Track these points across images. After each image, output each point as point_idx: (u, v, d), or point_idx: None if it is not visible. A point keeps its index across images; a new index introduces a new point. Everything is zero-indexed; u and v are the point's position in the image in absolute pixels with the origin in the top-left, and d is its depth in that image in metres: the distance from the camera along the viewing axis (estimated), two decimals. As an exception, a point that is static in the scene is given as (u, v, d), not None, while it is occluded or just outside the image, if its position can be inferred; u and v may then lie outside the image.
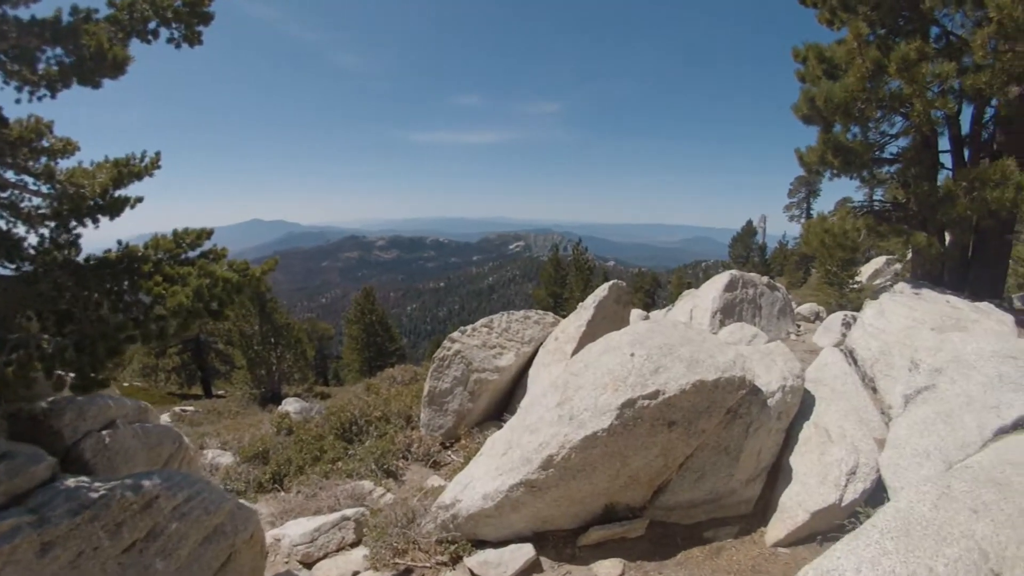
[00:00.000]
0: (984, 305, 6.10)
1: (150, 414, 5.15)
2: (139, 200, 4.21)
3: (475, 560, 3.99)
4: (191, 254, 4.52)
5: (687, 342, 4.34)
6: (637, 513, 4.20)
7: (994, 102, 6.54)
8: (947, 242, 7.45)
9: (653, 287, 38.69)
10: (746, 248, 33.77)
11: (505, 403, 7.65)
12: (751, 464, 4.19)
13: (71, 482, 3.29)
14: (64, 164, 4.29)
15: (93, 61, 3.09)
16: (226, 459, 9.87)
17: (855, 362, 5.72)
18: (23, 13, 3.00)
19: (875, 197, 18.08)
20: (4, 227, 3.97)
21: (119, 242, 4.18)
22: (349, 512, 5.34)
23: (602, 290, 7.68)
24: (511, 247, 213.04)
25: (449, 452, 7.15)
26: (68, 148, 4.31)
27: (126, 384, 23.60)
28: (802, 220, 38.14)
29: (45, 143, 4.05)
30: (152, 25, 3.44)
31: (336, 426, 8.39)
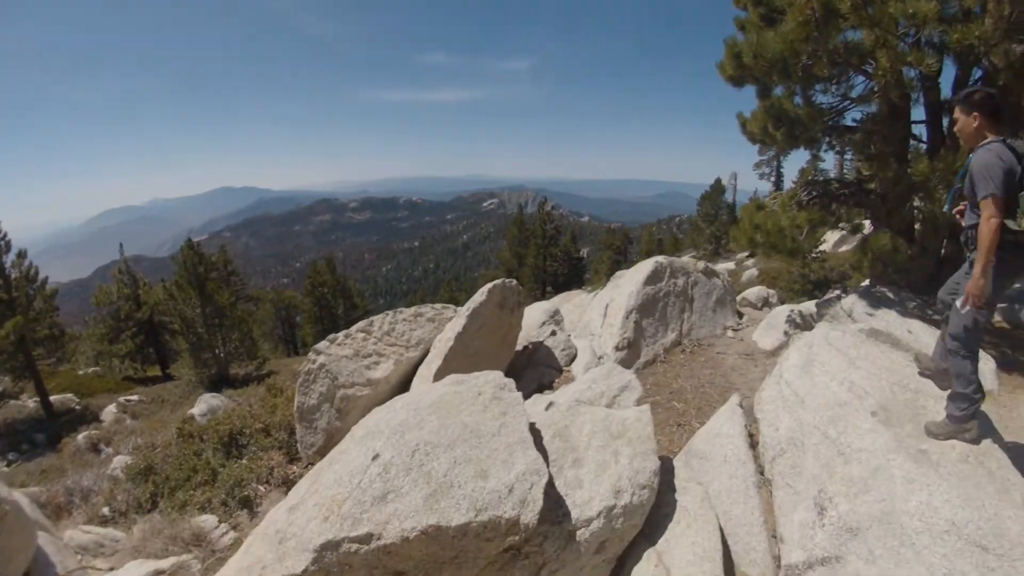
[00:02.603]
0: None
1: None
2: None
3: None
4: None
5: (470, 435, 3.00)
6: None
7: (985, 62, 4.89)
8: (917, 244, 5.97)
9: (624, 244, 38.25)
10: (715, 206, 33.19)
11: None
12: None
13: None
14: None
15: None
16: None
17: (758, 442, 3.83)
18: None
19: (847, 162, 16.63)
20: None
21: None
22: (164, 564, 4.42)
23: (480, 294, 6.34)
24: (485, 205, 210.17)
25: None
26: None
27: (80, 372, 22.06)
28: (772, 179, 37.33)
29: None
30: None
31: (215, 441, 7.25)
